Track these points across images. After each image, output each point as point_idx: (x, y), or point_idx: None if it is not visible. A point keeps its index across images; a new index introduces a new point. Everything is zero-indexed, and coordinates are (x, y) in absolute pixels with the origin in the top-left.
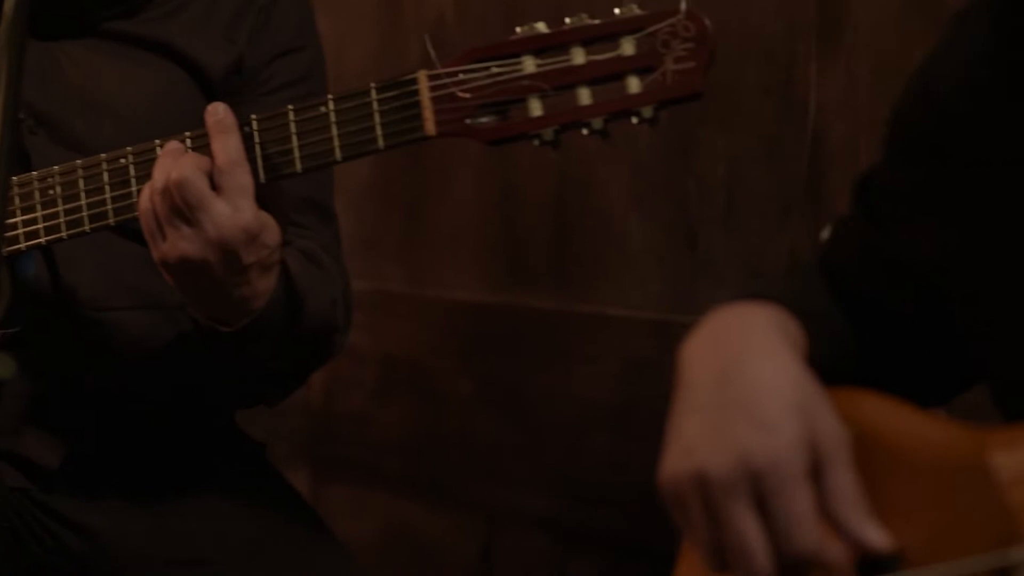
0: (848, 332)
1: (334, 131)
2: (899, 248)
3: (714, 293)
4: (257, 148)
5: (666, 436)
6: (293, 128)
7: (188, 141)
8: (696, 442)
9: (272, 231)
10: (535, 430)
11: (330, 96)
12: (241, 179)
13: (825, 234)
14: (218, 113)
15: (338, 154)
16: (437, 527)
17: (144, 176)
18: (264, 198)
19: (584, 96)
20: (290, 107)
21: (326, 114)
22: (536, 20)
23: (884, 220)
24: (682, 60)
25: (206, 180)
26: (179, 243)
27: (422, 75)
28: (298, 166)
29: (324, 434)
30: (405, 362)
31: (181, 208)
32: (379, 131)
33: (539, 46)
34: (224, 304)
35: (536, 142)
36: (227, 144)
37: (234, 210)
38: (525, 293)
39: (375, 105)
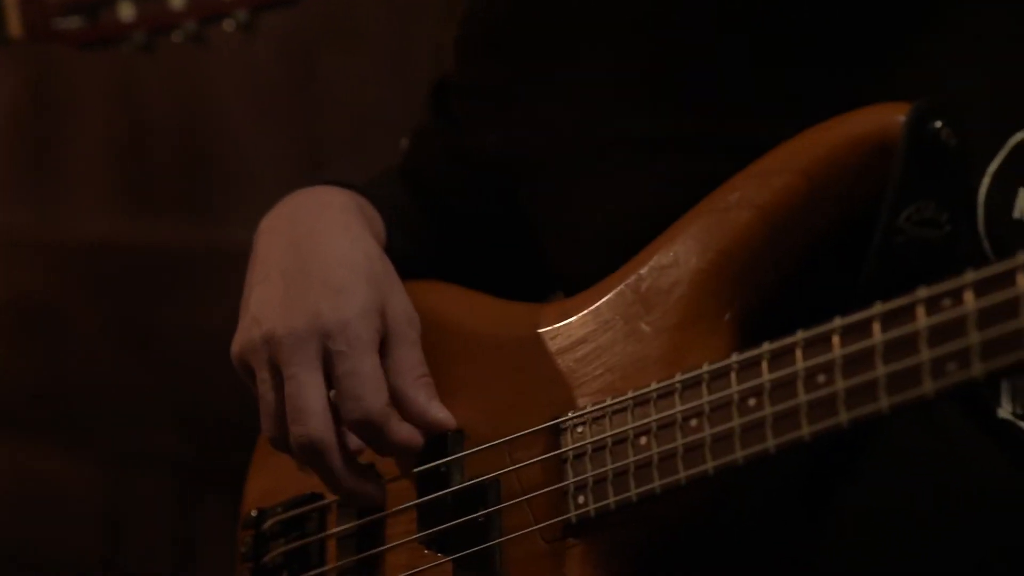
0: (426, 231)
1: None
2: (472, 144)
3: None
4: None
5: (240, 311)
6: None
7: None
8: (267, 310)
9: None
10: (164, 369)
11: None
12: None
13: (404, 142)
14: None
15: None
16: (64, 474)
17: None
18: None
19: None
20: None
21: None
22: None
23: (458, 118)
24: None
25: None
26: None
27: None
28: None
29: None
30: (29, 302)
31: None
32: None
33: None
34: None
35: (128, 47)
36: None
37: None
38: (153, 226)
39: None
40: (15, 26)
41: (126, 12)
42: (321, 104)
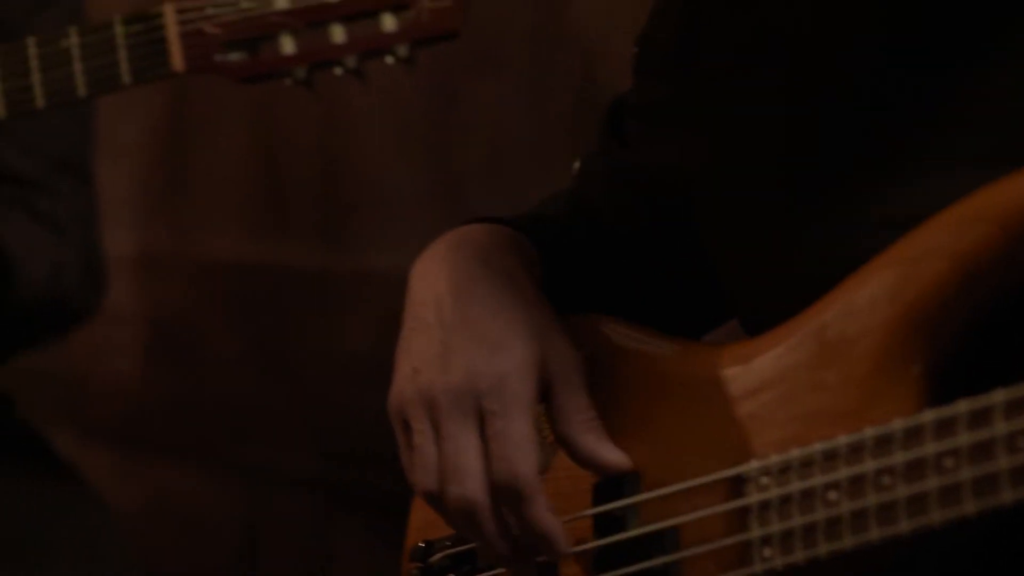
0: (593, 260)
1: (77, 66)
2: (647, 164)
3: None
4: None
5: (396, 357)
6: (34, 63)
7: None
8: (424, 361)
9: None
10: (301, 389)
11: (74, 29)
12: None
13: (576, 165)
14: None
15: (81, 89)
16: (203, 492)
17: None
18: None
19: (337, 33)
20: (30, 39)
21: (68, 48)
22: None
23: (633, 139)
24: None
25: None
26: None
27: (168, 8)
28: (40, 102)
29: (87, 398)
30: (169, 322)
31: None
32: (124, 66)
33: None
34: None
35: (289, 81)
36: None
37: None
38: (291, 248)
39: (120, 39)
40: (177, 60)
41: (287, 46)
42: (460, 132)
